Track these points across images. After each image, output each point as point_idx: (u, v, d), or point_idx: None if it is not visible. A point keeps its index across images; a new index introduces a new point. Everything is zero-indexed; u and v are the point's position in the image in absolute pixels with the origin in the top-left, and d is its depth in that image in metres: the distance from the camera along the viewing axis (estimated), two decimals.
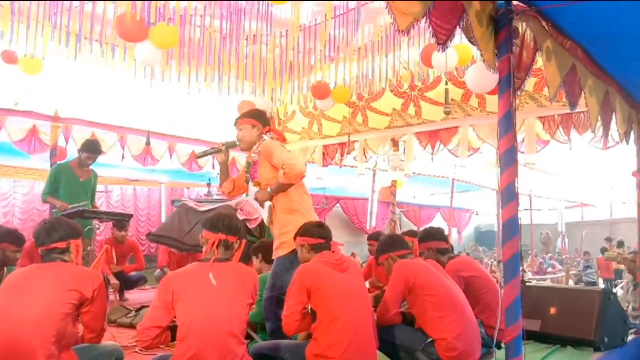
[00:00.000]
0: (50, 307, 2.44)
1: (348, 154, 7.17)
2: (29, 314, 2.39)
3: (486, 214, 19.84)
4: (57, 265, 2.63)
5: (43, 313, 2.41)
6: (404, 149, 6.77)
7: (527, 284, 4.88)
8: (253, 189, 3.68)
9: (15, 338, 2.36)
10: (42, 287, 2.49)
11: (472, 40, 2.77)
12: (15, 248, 3.83)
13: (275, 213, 3.59)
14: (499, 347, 3.63)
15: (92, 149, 5.56)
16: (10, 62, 4.75)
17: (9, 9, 4.13)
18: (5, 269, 4.01)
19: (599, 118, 4.06)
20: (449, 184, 12.70)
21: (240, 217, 4.95)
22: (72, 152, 6.45)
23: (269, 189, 3.52)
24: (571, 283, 12.43)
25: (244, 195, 5.29)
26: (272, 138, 3.58)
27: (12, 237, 3.88)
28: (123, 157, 7.35)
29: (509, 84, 2.90)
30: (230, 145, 3.67)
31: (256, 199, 3.62)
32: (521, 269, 2.93)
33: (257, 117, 3.63)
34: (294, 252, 3.33)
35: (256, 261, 4.07)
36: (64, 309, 2.47)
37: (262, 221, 5.21)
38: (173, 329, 2.61)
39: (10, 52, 4.69)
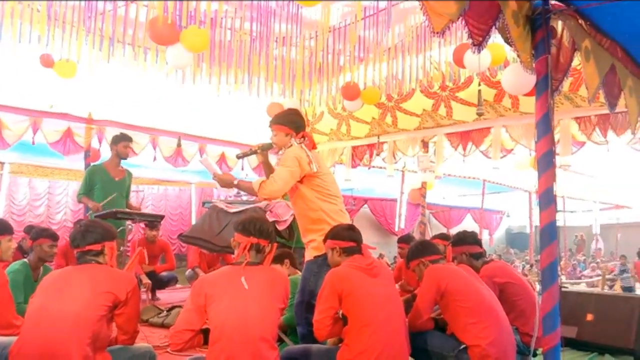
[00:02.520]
0: (86, 308, 2.47)
1: (377, 155, 7.12)
2: (65, 315, 2.43)
3: (517, 215, 19.46)
4: (92, 267, 2.67)
5: (79, 314, 2.44)
6: (434, 150, 6.68)
7: (563, 289, 4.76)
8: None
9: (52, 338, 2.39)
10: (77, 288, 2.53)
11: (508, 41, 2.70)
12: (50, 242, 4.02)
13: (297, 218, 3.59)
14: (534, 355, 3.55)
15: (126, 136, 5.67)
16: (47, 66, 4.86)
17: (45, 14, 4.23)
18: (42, 267, 4.12)
19: (639, 119, 3.93)
20: (480, 185, 12.50)
21: (270, 218, 4.96)
22: (105, 153, 6.57)
23: (235, 181, 3.43)
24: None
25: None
26: (300, 143, 3.48)
27: (47, 233, 4.10)
28: (155, 158, 7.46)
29: (546, 85, 2.82)
30: (266, 148, 3.61)
31: (216, 179, 3.49)
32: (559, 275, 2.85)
33: (291, 124, 3.50)
34: (321, 256, 3.31)
35: (282, 268, 4.06)
36: (99, 310, 2.50)
37: (291, 223, 5.21)
38: (205, 332, 2.62)
39: (47, 56, 4.80)
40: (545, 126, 2.84)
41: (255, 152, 3.63)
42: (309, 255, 3.47)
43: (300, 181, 3.40)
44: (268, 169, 3.66)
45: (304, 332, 3.35)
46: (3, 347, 2.63)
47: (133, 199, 6.33)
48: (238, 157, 4.01)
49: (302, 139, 3.51)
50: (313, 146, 3.53)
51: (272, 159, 3.92)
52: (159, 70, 4.94)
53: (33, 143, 6.49)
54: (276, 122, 3.54)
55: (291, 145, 3.46)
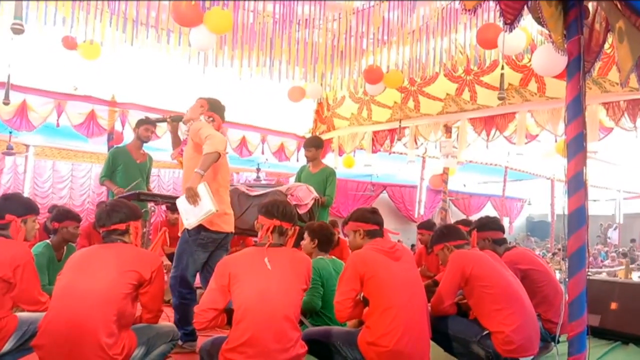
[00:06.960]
0: (111, 286, 2.50)
1: (398, 140, 7.06)
2: (92, 293, 2.46)
3: (539, 203, 19.20)
4: (118, 246, 2.70)
5: (105, 292, 2.48)
6: (457, 135, 6.59)
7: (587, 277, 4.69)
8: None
9: (78, 315, 2.43)
10: (103, 266, 2.56)
11: (539, 21, 2.63)
12: (75, 224, 4.16)
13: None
14: (557, 342, 3.50)
15: (149, 120, 5.68)
16: (70, 48, 4.89)
17: None
18: (65, 247, 4.20)
19: None
20: (501, 172, 12.33)
21: (291, 202, 4.95)
22: (128, 136, 6.62)
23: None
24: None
25: (291, 179, 5.30)
26: (207, 121, 3.68)
27: (72, 215, 4.23)
28: None
29: (578, 66, 2.74)
30: (176, 119, 3.94)
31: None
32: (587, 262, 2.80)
33: (209, 100, 3.78)
34: (189, 231, 3.55)
35: (310, 244, 3.91)
36: (124, 288, 2.53)
37: (312, 207, 5.21)
38: (229, 312, 2.63)
39: (70, 38, 4.83)
40: (576, 109, 2.78)
41: (164, 120, 4.03)
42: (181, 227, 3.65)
43: (198, 150, 3.50)
44: (175, 139, 3.99)
45: (177, 303, 3.60)
46: (30, 322, 2.70)
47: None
48: (150, 122, 4.59)
49: (210, 118, 3.73)
50: (219, 128, 3.74)
51: None
52: (182, 53, 4.95)
53: (58, 125, 6.55)
54: (199, 98, 3.83)
55: (199, 120, 3.68)
